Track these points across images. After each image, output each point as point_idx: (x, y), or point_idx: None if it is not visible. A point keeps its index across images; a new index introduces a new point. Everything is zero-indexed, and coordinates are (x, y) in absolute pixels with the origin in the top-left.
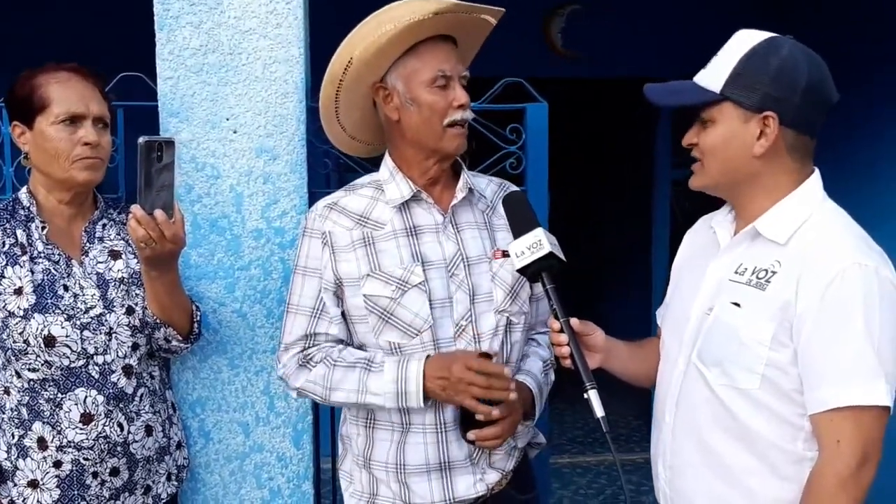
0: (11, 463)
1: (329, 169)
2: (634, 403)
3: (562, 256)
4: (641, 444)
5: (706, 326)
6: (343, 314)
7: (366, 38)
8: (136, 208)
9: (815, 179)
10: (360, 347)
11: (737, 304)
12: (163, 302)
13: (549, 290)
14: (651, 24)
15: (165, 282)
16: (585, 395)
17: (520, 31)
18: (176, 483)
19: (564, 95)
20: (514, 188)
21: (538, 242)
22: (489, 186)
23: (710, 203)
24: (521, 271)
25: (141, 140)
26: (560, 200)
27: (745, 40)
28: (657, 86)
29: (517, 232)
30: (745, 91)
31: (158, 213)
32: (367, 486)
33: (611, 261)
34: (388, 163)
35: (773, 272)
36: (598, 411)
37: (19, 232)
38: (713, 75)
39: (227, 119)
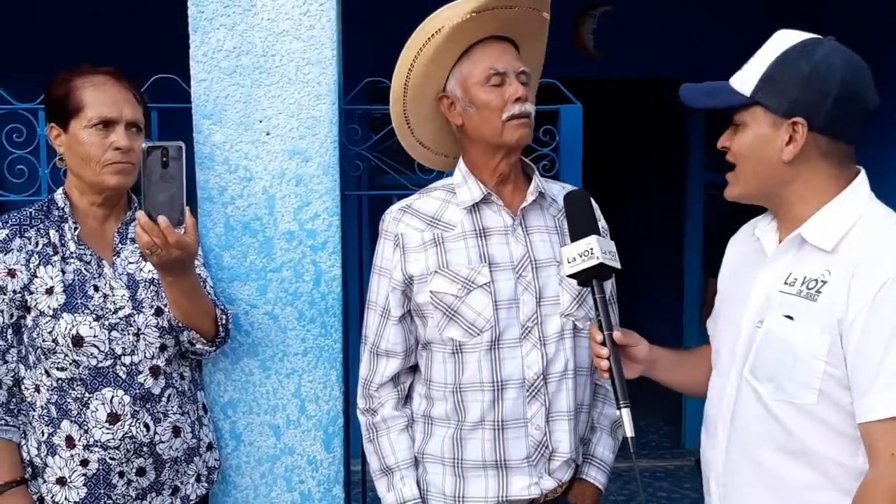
0: (41, 460)
1: (361, 171)
2: (665, 410)
3: (615, 265)
4: (672, 451)
5: (758, 340)
6: (411, 313)
7: (416, 49)
8: (140, 214)
9: (861, 181)
10: (427, 345)
11: (789, 318)
12: (183, 306)
13: (597, 300)
14: (682, 24)
15: (183, 287)
16: (617, 413)
17: (551, 32)
18: (206, 484)
19: (596, 96)
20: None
21: (589, 251)
22: (562, 193)
23: (743, 206)
24: (572, 276)
25: (143, 145)
26: None
27: (780, 42)
28: (693, 87)
29: (574, 234)
30: (774, 96)
31: (161, 219)
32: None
33: (643, 263)
34: (461, 167)
35: (824, 282)
36: (629, 431)
37: (52, 232)
38: (745, 78)
39: (261, 121)
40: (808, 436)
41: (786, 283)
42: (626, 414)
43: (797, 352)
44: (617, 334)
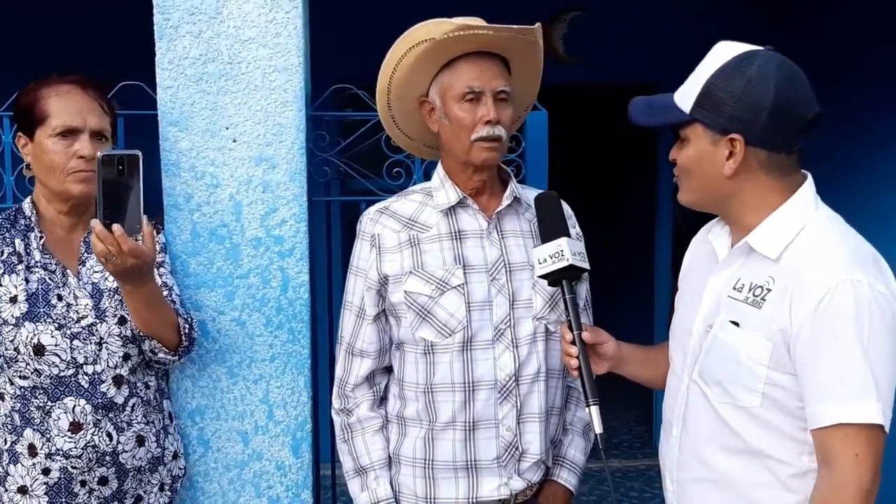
0: (3, 468)
1: (329, 177)
2: (638, 411)
3: (584, 265)
4: (644, 451)
5: (706, 344)
6: (385, 313)
7: (400, 54)
8: (94, 222)
9: (806, 188)
10: (400, 345)
11: (735, 324)
12: (142, 315)
13: (567, 299)
14: (654, 29)
15: (141, 296)
16: (586, 409)
17: None
18: (169, 493)
19: (567, 101)
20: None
21: (560, 253)
22: None
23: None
24: (542, 277)
25: (98, 154)
26: None
27: (718, 56)
28: (641, 101)
29: (545, 236)
30: (711, 112)
31: (115, 227)
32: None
33: (613, 269)
34: (439, 171)
35: (768, 290)
36: (598, 428)
37: (18, 241)
38: (686, 94)
39: (227, 128)
40: (752, 436)
41: (734, 289)
42: (594, 411)
43: (741, 357)
44: (586, 334)
